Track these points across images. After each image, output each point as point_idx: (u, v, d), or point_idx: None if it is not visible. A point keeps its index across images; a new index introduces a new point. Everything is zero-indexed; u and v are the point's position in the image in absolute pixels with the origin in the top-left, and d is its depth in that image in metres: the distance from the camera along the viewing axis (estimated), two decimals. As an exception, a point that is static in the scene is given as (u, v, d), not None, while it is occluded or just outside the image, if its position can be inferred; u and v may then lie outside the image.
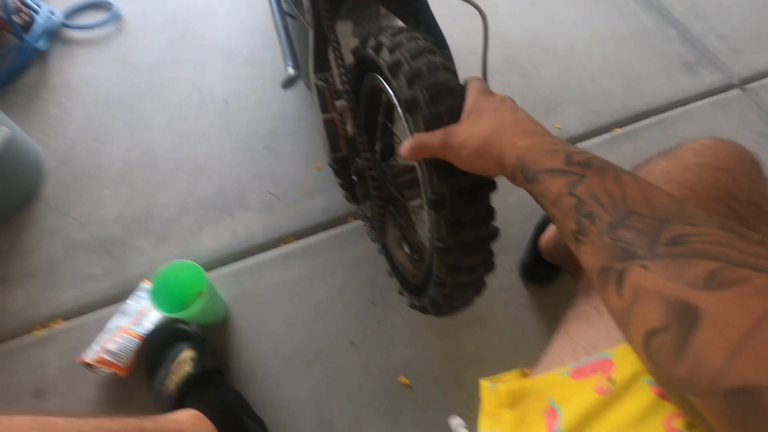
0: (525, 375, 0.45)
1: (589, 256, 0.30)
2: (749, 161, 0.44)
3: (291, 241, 0.95)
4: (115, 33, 1.26)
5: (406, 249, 0.72)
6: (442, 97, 0.46)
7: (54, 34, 1.23)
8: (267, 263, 0.92)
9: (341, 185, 0.68)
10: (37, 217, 0.96)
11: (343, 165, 0.65)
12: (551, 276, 0.87)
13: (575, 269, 0.69)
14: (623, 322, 0.27)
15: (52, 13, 1.23)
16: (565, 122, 1.13)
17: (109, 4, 1.29)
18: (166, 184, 1.01)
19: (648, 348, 0.25)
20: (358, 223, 0.97)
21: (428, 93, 0.45)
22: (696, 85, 1.20)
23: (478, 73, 0.57)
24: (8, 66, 1.13)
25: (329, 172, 1.02)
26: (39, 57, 1.19)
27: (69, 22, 1.25)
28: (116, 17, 1.26)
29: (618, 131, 1.12)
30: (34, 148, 1.01)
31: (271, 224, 0.96)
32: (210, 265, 0.91)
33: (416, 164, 0.51)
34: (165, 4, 1.32)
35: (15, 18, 1.14)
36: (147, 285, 0.86)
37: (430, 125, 0.45)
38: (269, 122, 1.10)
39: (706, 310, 0.22)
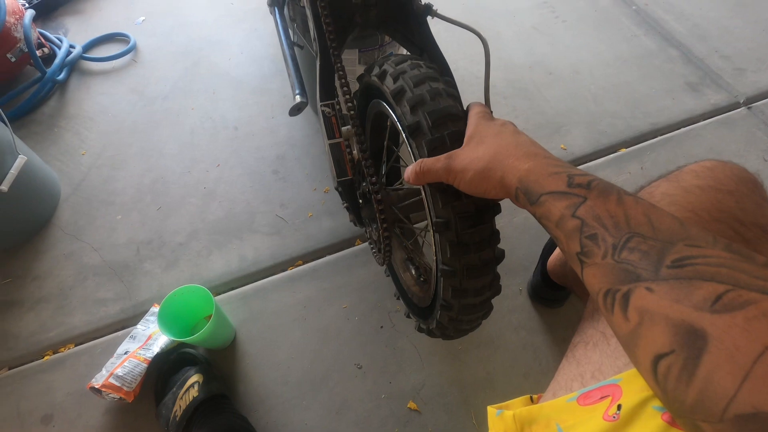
0: (533, 400, 0.44)
1: (593, 279, 0.30)
2: (751, 183, 0.44)
3: (299, 264, 0.95)
4: (132, 64, 1.31)
5: (413, 271, 0.72)
6: (445, 122, 0.47)
7: (73, 66, 1.28)
8: (275, 286, 0.92)
9: (347, 208, 0.69)
10: (51, 242, 0.98)
11: (349, 189, 0.66)
12: (560, 297, 0.86)
13: (583, 291, 0.69)
14: (630, 345, 0.27)
15: (72, 47, 1.28)
16: (570, 143, 1.13)
17: (126, 37, 1.34)
18: (176, 209, 1.03)
19: (656, 372, 0.24)
20: (365, 246, 0.97)
21: (431, 119, 0.46)
22: (701, 105, 1.21)
23: (483, 98, 0.58)
24: (29, 97, 1.17)
25: (336, 196, 1.03)
26: (58, 88, 1.24)
27: (88, 55, 1.30)
28: (133, 49, 1.32)
29: (624, 151, 1.12)
30: (51, 175, 1.05)
31: (279, 247, 0.97)
32: (218, 289, 0.91)
33: (421, 188, 0.52)
34: (179, 36, 1.37)
35: (37, 52, 1.19)
36: (156, 309, 0.86)
37: (434, 150, 0.46)
38: (278, 147, 1.12)
39: (713, 334, 0.22)
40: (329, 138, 0.64)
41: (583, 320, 0.47)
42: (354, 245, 0.98)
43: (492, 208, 0.48)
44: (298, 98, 0.67)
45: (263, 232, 0.99)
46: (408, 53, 0.67)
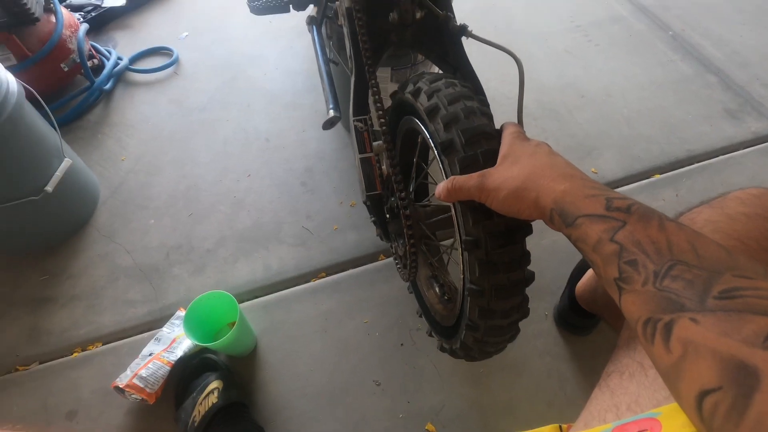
0: (562, 430, 0.42)
1: (632, 306, 0.29)
2: None
3: (322, 276, 0.96)
4: (173, 76, 1.37)
5: (437, 289, 0.71)
6: (478, 140, 0.47)
7: (119, 77, 1.35)
8: (297, 297, 0.93)
9: (375, 222, 0.69)
10: (87, 242, 1.02)
11: (377, 203, 0.66)
12: (588, 325, 0.83)
13: (614, 319, 0.66)
14: (672, 378, 0.25)
15: (120, 59, 1.36)
16: (601, 166, 1.11)
17: (170, 50, 1.41)
18: (207, 216, 1.06)
19: (701, 409, 0.23)
20: (388, 261, 0.97)
21: (465, 136, 0.47)
22: (741, 132, 1.17)
23: (513, 118, 0.58)
24: (77, 104, 1.24)
25: (362, 210, 1.04)
26: (104, 96, 1.31)
27: (133, 67, 1.37)
28: (175, 62, 1.38)
29: (658, 177, 1.09)
30: (92, 178, 1.09)
31: (304, 258, 0.98)
32: (242, 297, 0.93)
33: (450, 205, 0.52)
34: (219, 51, 1.43)
35: (88, 62, 1.27)
36: (182, 313, 0.88)
37: (466, 167, 0.46)
38: (307, 160, 1.14)
39: (766, 371, 0.21)
40: (360, 152, 0.65)
41: (618, 349, 0.46)
42: (377, 260, 0.98)
43: (523, 228, 0.47)
44: (331, 112, 0.68)
45: (289, 243, 1.01)
46: (441, 72, 0.67)
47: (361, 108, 0.66)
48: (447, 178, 0.47)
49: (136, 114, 1.28)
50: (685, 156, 1.13)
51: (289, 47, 1.43)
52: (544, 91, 1.28)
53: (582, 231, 0.34)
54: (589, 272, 0.77)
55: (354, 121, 0.65)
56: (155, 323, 0.90)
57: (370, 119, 0.66)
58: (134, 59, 1.40)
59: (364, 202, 0.68)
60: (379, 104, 0.60)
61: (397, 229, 0.67)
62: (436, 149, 0.51)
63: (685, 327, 0.25)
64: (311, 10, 0.83)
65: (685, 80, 1.29)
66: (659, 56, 1.36)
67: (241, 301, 0.92)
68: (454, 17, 0.68)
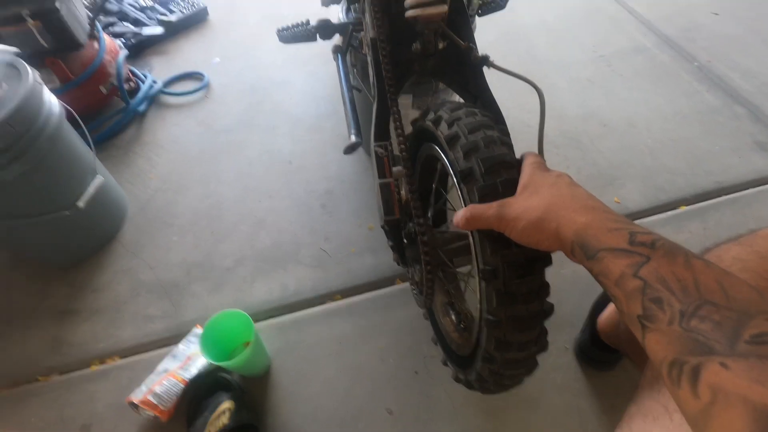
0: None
1: (657, 345, 0.28)
2: None
3: (338, 299, 0.96)
4: (203, 99, 1.43)
5: (453, 317, 0.70)
6: (498, 169, 0.47)
7: (153, 99, 1.42)
8: (313, 319, 0.93)
9: (392, 247, 0.69)
10: (113, 257, 1.06)
11: (395, 228, 0.67)
12: (610, 360, 0.80)
13: (638, 356, 0.64)
14: (700, 425, 0.24)
15: (155, 82, 1.43)
16: (624, 197, 1.09)
17: (201, 75, 1.48)
18: (228, 234, 1.08)
19: None
20: (405, 286, 0.97)
21: (484, 165, 0.47)
22: (772, 166, 1.13)
23: (534, 147, 0.58)
24: (112, 124, 1.31)
25: (379, 233, 1.04)
26: (138, 117, 1.38)
27: (167, 90, 1.44)
28: (206, 86, 1.45)
29: (684, 209, 1.06)
30: (122, 195, 1.14)
31: (321, 280, 0.98)
32: (258, 316, 0.93)
33: (469, 233, 0.51)
34: (248, 76, 1.49)
35: (125, 86, 1.34)
36: (198, 330, 0.89)
37: (485, 196, 0.46)
38: (327, 182, 1.16)
39: None
40: (380, 177, 0.66)
41: (641, 389, 0.44)
42: (394, 284, 0.97)
43: (543, 259, 0.46)
44: (353, 138, 0.70)
45: (306, 264, 1.02)
46: (462, 101, 0.68)
47: (382, 134, 0.67)
48: (466, 206, 0.47)
49: (167, 134, 1.33)
50: (713, 188, 1.10)
51: (314, 73, 1.48)
52: (566, 120, 1.28)
53: (604, 265, 0.33)
54: (612, 305, 0.74)
55: (375, 146, 0.66)
56: (172, 339, 0.91)
57: (391, 145, 0.67)
58: (168, 83, 1.47)
59: (382, 227, 0.68)
60: (400, 131, 0.61)
61: (414, 254, 0.67)
62: (456, 177, 0.51)
63: (714, 372, 0.24)
64: (337, 39, 0.86)
65: (712, 112, 1.27)
66: (684, 87, 1.35)
67: (256, 321, 0.92)
68: (476, 47, 0.69)
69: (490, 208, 0.43)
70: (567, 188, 0.40)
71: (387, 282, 0.98)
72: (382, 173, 0.66)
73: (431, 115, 0.59)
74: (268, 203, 1.14)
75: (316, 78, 1.46)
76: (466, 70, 0.70)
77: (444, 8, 0.64)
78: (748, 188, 1.10)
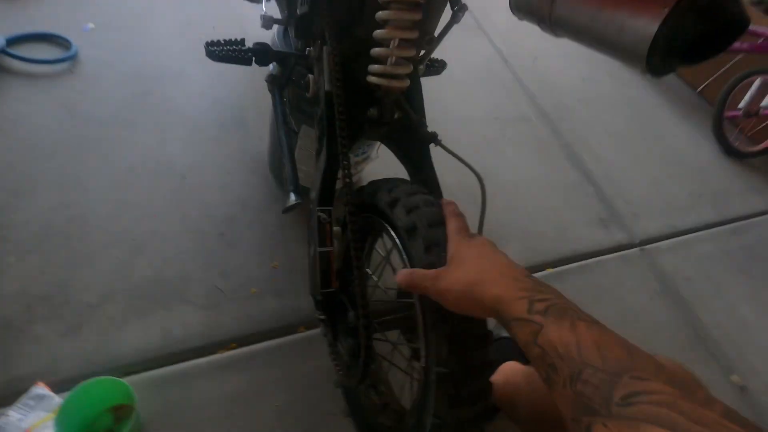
0: None
1: (560, 404, 0.33)
2: (695, 382, 0.50)
3: (232, 347, 0.86)
4: (67, 74, 1.14)
5: (375, 397, 0.69)
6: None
7: (-13, 57, 1.07)
8: (201, 372, 0.81)
9: (323, 320, 0.64)
10: None
11: (330, 300, 0.63)
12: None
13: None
14: None
15: (-8, 36, 1.08)
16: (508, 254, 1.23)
17: (67, 42, 1.18)
18: (92, 260, 0.87)
19: None
20: (309, 334, 0.92)
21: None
22: (608, 240, 1.41)
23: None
24: None
25: (285, 273, 0.97)
26: (-41, 78, 1.02)
27: (12, 50, 1.10)
28: (72, 58, 1.15)
29: (550, 271, 1.25)
30: (-75, 189, 0.83)
31: (213, 324, 0.87)
32: (129, 369, 0.77)
33: (418, 309, 0.52)
34: (133, 57, 1.24)
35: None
36: (41, 390, 0.69)
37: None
38: (228, 207, 1.04)
39: None
40: (320, 245, 0.61)
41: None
42: (296, 332, 0.91)
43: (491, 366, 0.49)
44: (292, 197, 0.63)
45: (196, 304, 0.88)
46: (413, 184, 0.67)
47: (326, 197, 0.63)
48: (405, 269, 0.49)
49: (7, 111, 1.02)
50: (570, 254, 1.32)
51: (221, 72, 1.31)
52: (466, 175, 1.39)
53: (514, 334, 0.39)
54: (508, 366, 0.81)
55: (318, 211, 0.61)
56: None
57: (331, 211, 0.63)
58: (14, 41, 1.13)
59: (315, 298, 0.63)
60: (350, 205, 0.57)
61: (349, 328, 0.64)
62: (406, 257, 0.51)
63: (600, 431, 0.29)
64: (273, 68, 0.77)
65: (574, 187, 1.53)
66: (555, 161, 1.60)
67: (126, 374, 0.77)
68: (426, 124, 0.70)
69: (427, 280, 0.46)
70: (487, 260, 0.45)
71: (290, 329, 0.91)
72: (322, 241, 0.61)
73: (385, 197, 0.57)
74: (150, 225, 0.96)
75: (223, 79, 1.30)
76: (414, 143, 0.70)
77: (407, 83, 0.64)
78: (592, 257, 1.35)
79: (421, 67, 0.93)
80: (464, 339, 0.49)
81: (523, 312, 0.38)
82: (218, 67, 1.32)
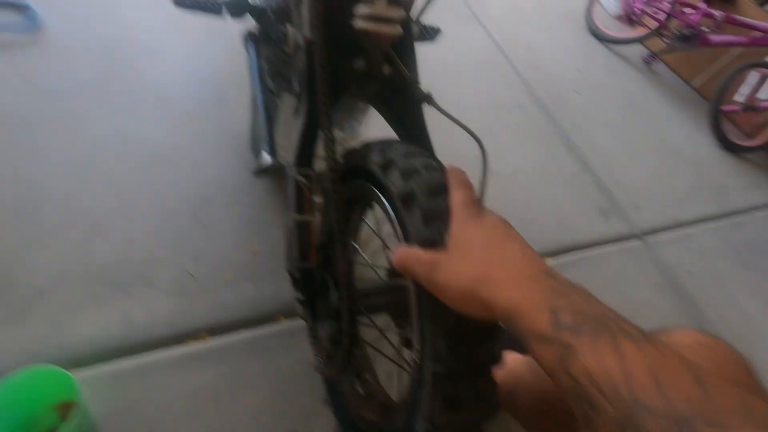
0: None
1: None
2: (746, 369, 0.44)
3: (203, 338, 0.77)
4: (28, 42, 1.04)
5: (359, 387, 0.61)
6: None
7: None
8: (166, 365, 0.72)
9: (300, 301, 0.56)
10: None
11: (307, 277, 0.54)
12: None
13: (536, 428, 0.64)
14: None
15: (-57, -2, 0.98)
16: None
17: (26, 6, 1.08)
18: (45, 239, 0.78)
19: None
20: (288, 324, 0.83)
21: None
22: (608, 231, 1.35)
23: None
24: None
25: (265, 260, 0.89)
26: None
27: (-36, 14, 1.01)
28: (33, 24, 1.06)
29: (550, 261, 1.18)
30: None
31: (182, 312, 0.78)
32: (82, 361, 0.68)
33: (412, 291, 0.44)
34: (103, 28, 1.15)
35: None
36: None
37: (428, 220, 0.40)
38: (204, 187, 0.95)
39: None
40: (297, 212, 0.53)
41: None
42: (275, 322, 0.83)
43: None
44: (265, 156, 0.55)
45: (163, 290, 0.79)
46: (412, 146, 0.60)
47: (306, 158, 0.55)
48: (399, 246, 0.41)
49: (-44, 78, 0.92)
50: (570, 244, 1.25)
51: (199, 46, 1.23)
52: (464, 161, 1.31)
53: (534, 354, 0.30)
54: (510, 360, 0.73)
55: (296, 172, 0.53)
56: None
57: (315, 174, 0.55)
58: (-32, 4, 1.03)
59: (291, 273, 0.55)
60: (332, 161, 0.49)
61: (329, 308, 0.56)
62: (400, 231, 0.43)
63: None
64: (249, 22, 0.69)
65: (572, 176, 1.47)
66: (553, 150, 1.53)
67: (79, 367, 0.67)
68: (420, 83, 0.62)
69: (422, 266, 0.38)
70: (499, 249, 0.36)
71: (268, 319, 0.83)
72: (300, 208, 0.53)
73: (378, 158, 0.49)
74: (114, 203, 0.86)
75: (200, 53, 1.21)
76: (406, 103, 0.62)
77: (399, 30, 0.56)
78: (592, 248, 1.28)
79: (415, 27, 0.85)
80: (467, 333, 0.40)
81: (546, 328, 0.29)
82: (197, 39, 1.24)
